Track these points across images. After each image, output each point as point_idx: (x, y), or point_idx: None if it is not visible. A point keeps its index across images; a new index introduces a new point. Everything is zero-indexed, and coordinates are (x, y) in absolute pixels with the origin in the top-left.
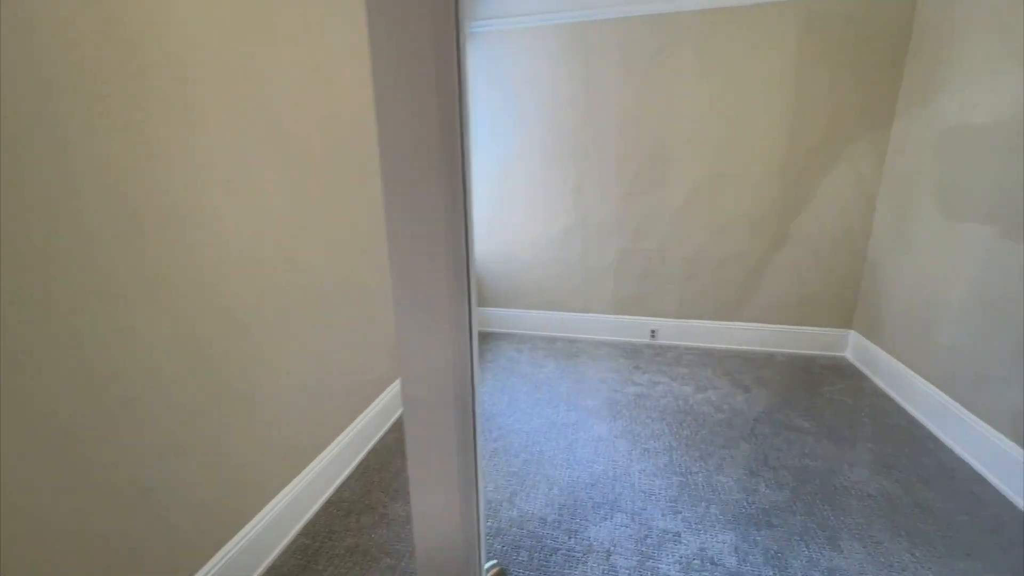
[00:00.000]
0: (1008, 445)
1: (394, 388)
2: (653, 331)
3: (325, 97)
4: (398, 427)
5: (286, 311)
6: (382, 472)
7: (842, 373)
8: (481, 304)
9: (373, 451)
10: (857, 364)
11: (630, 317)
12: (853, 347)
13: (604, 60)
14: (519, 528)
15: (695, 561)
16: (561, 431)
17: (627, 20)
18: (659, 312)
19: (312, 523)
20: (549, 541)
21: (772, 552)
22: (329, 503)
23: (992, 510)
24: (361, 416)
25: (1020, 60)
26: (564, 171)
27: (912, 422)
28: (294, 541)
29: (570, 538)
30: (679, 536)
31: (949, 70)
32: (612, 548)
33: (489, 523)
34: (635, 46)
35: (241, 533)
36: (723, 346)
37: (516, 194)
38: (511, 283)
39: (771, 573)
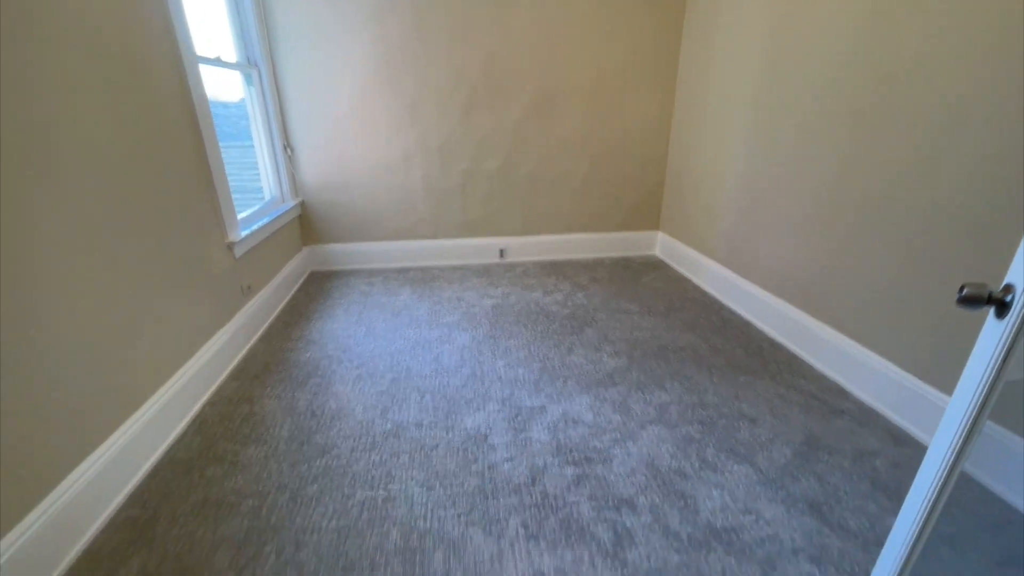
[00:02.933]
0: (765, 295)
1: (226, 334)
2: (502, 250)
3: None
4: (238, 375)
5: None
6: (226, 422)
7: (654, 266)
8: (321, 240)
9: (210, 404)
10: (664, 258)
11: (479, 239)
12: (661, 245)
13: None
14: (395, 437)
15: (559, 423)
16: (426, 347)
17: None
18: (506, 232)
19: (139, 491)
20: (428, 440)
21: (618, 403)
22: (159, 467)
23: (756, 342)
24: (188, 363)
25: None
26: (397, 86)
27: (704, 294)
28: (116, 516)
29: (448, 432)
30: (544, 408)
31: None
32: (488, 431)
33: (364, 438)
34: None
35: (27, 521)
36: (562, 257)
37: (346, 110)
38: (353, 214)
39: (618, 418)
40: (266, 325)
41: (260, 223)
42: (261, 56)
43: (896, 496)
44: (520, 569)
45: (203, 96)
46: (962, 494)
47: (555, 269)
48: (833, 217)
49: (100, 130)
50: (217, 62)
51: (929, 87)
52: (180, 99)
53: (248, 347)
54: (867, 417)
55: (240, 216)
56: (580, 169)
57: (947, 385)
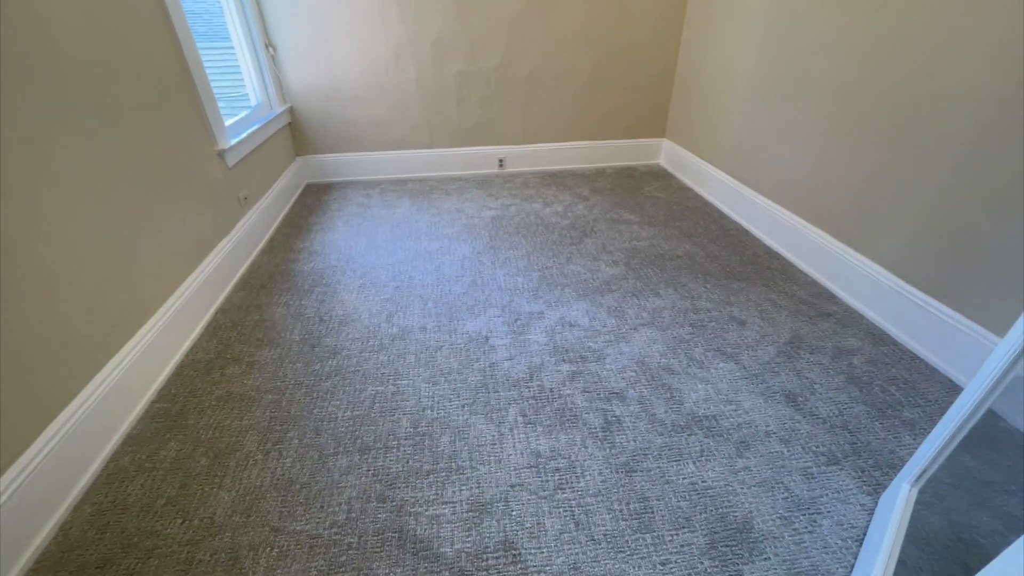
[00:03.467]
0: (766, 202)
1: (228, 244)
2: (501, 160)
3: None
4: (244, 285)
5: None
6: (238, 328)
7: (657, 175)
8: (314, 151)
9: (221, 311)
10: (668, 168)
11: (478, 148)
12: (666, 153)
13: None
14: (401, 340)
15: (557, 327)
16: (427, 258)
17: None
18: (505, 140)
19: (166, 387)
20: (433, 342)
21: (613, 308)
22: (181, 367)
23: (752, 250)
24: (196, 272)
25: None
26: None
27: (706, 204)
28: (148, 409)
29: (451, 335)
30: (543, 314)
31: None
32: (489, 334)
33: (372, 341)
34: None
35: (69, 409)
36: (563, 167)
37: (328, 5)
38: (345, 122)
39: (613, 321)
40: (267, 237)
41: (249, 130)
42: None
43: (867, 389)
44: (519, 449)
45: None
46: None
47: (556, 179)
48: (842, 121)
49: (70, 28)
50: None
51: None
52: None
53: (251, 259)
54: (851, 319)
55: (228, 123)
56: (583, 70)
57: (928, 286)
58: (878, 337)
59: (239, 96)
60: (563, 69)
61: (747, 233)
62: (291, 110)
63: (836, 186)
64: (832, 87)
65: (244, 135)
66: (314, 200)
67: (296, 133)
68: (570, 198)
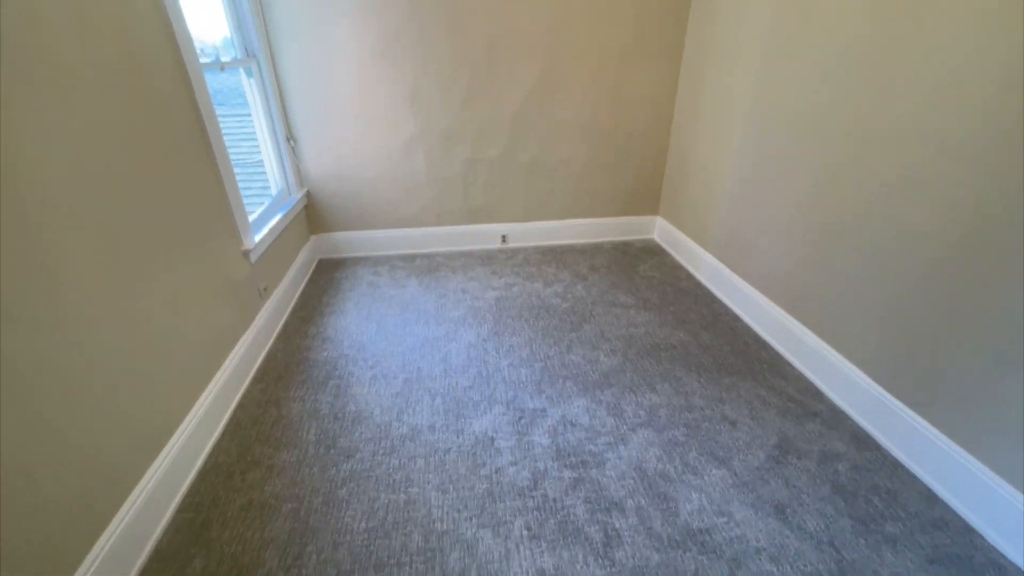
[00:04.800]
0: (754, 292)
1: (248, 337)
2: (503, 236)
3: None
4: (262, 377)
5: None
6: (257, 426)
7: (652, 252)
8: (328, 229)
9: (240, 407)
10: (662, 244)
11: (482, 226)
12: (659, 230)
13: None
14: (411, 441)
15: (559, 427)
16: (434, 345)
17: None
18: (507, 218)
19: (191, 495)
20: (441, 444)
21: (612, 405)
22: (204, 472)
23: (743, 338)
24: (219, 373)
25: None
26: (398, 74)
27: (698, 285)
28: (174, 520)
29: (458, 436)
30: (545, 411)
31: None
32: (495, 434)
33: (383, 442)
34: None
35: (107, 533)
36: (562, 242)
37: (346, 101)
38: (358, 204)
39: (612, 421)
40: (282, 322)
41: (271, 222)
42: (260, 48)
43: (852, 500)
44: (524, 567)
45: (207, 100)
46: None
47: (556, 256)
48: (817, 227)
49: (110, 140)
50: (217, 63)
51: (924, 112)
52: (185, 106)
53: (268, 347)
54: (837, 420)
55: (251, 218)
56: (581, 155)
57: (902, 394)
58: (863, 441)
59: (261, 188)
60: (561, 155)
61: (737, 319)
62: (308, 194)
63: (814, 282)
64: (807, 187)
65: (266, 229)
66: (326, 278)
67: (311, 213)
68: (569, 277)
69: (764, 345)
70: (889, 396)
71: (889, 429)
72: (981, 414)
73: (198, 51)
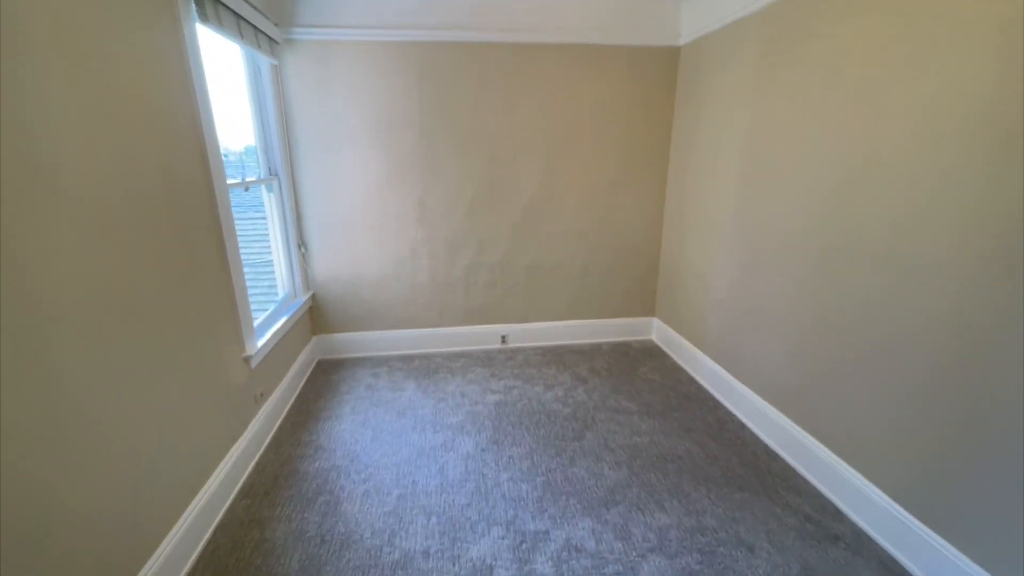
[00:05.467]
0: (757, 399)
1: (239, 448)
2: (503, 337)
3: None
4: (248, 491)
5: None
6: (237, 551)
7: (651, 354)
8: (330, 330)
9: (221, 528)
10: (661, 345)
11: (482, 326)
12: (657, 331)
13: (438, 80)
14: (403, 570)
15: (563, 553)
16: (431, 456)
17: (457, 45)
18: (507, 318)
19: None
20: (436, 574)
21: (619, 527)
22: None
23: (751, 449)
24: (203, 490)
25: (743, 118)
26: (407, 187)
27: (700, 389)
28: None
29: (454, 564)
30: (548, 534)
31: (699, 123)
32: (493, 563)
33: (373, 570)
34: (467, 69)
35: None
36: (562, 342)
37: (358, 211)
38: (360, 305)
39: (620, 545)
40: (275, 428)
41: (275, 326)
42: (282, 166)
43: None
44: None
45: (229, 216)
46: None
47: (556, 357)
48: (815, 337)
49: (135, 258)
50: (242, 183)
51: (895, 235)
52: (209, 222)
53: (258, 456)
54: (861, 544)
55: (256, 322)
56: (577, 259)
57: (925, 516)
58: (891, 569)
59: (268, 286)
60: (559, 259)
61: (743, 427)
62: (313, 296)
63: (818, 392)
64: (797, 295)
65: (269, 333)
66: (324, 380)
67: (315, 315)
68: (570, 380)
69: (774, 457)
70: (912, 519)
71: (917, 556)
72: (1013, 542)
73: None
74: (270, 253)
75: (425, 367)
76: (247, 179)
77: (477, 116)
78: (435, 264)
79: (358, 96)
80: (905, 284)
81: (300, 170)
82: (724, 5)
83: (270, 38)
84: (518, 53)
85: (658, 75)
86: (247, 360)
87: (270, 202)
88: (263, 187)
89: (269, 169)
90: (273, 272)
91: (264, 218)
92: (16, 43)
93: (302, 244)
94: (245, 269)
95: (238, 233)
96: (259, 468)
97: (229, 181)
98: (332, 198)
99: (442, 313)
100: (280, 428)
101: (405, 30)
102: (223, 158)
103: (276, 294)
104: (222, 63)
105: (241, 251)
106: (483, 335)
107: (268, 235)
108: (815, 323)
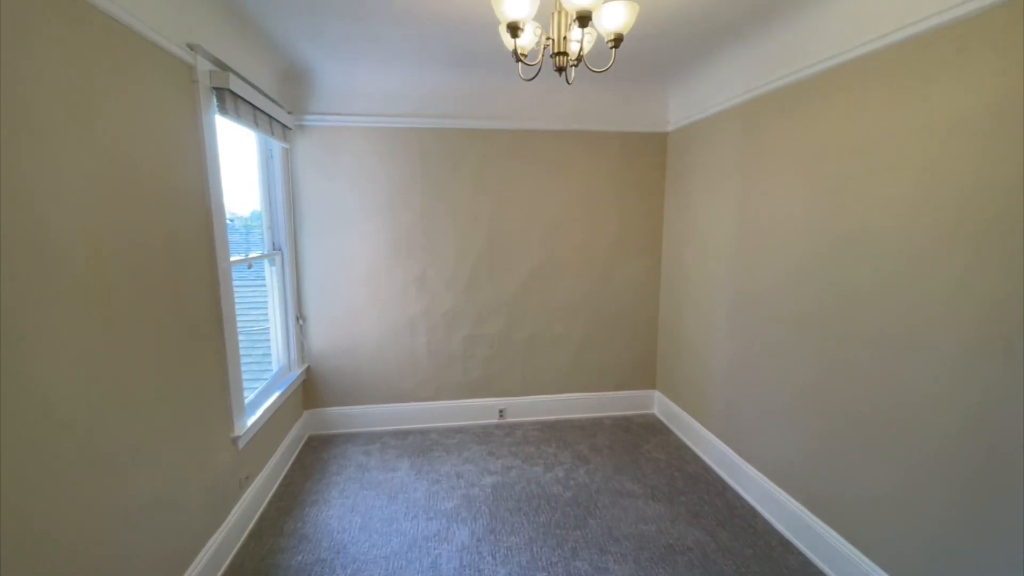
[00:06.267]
0: (766, 482)
1: (217, 539)
2: (501, 411)
3: None
4: None
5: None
6: None
7: (654, 429)
8: (322, 404)
9: None
10: (663, 419)
11: (480, 400)
12: (658, 404)
13: (439, 163)
14: None
15: None
16: (423, 548)
17: (459, 131)
18: (505, 392)
19: None
20: None
21: None
22: None
23: (765, 539)
24: None
25: (729, 185)
26: (407, 263)
27: (707, 469)
28: None
29: None
30: None
31: (689, 201)
32: None
33: None
34: (468, 153)
35: None
36: (562, 416)
37: (357, 286)
38: (356, 378)
39: None
40: (258, 514)
41: (267, 403)
42: (286, 241)
43: None
44: None
45: (230, 292)
46: None
47: (555, 433)
48: (820, 417)
49: (133, 339)
50: (246, 259)
51: (889, 307)
52: (209, 298)
53: (237, 548)
54: None
55: (248, 399)
56: (576, 332)
57: None
58: None
59: (262, 355)
60: (558, 333)
61: (755, 514)
62: (308, 368)
63: (832, 478)
64: (805, 375)
65: (260, 410)
66: (314, 459)
67: (308, 388)
68: (571, 459)
69: (789, 547)
70: None
71: None
72: None
73: (229, 255)
74: (267, 321)
75: (420, 444)
76: (251, 255)
77: (477, 196)
78: (433, 337)
79: (363, 178)
80: (895, 361)
81: (303, 245)
82: (706, 98)
83: (283, 125)
84: (516, 138)
85: (649, 157)
86: (235, 441)
87: (272, 276)
88: (265, 261)
89: (273, 244)
90: (269, 341)
91: (264, 285)
92: (32, 124)
93: (300, 317)
94: (241, 338)
95: (237, 300)
96: (234, 567)
97: (233, 258)
98: (333, 273)
99: (439, 387)
100: (263, 515)
101: (409, 118)
102: (227, 222)
103: (270, 365)
104: (235, 141)
105: (238, 319)
106: (481, 409)
107: (267, 304)
108: (815, 398)
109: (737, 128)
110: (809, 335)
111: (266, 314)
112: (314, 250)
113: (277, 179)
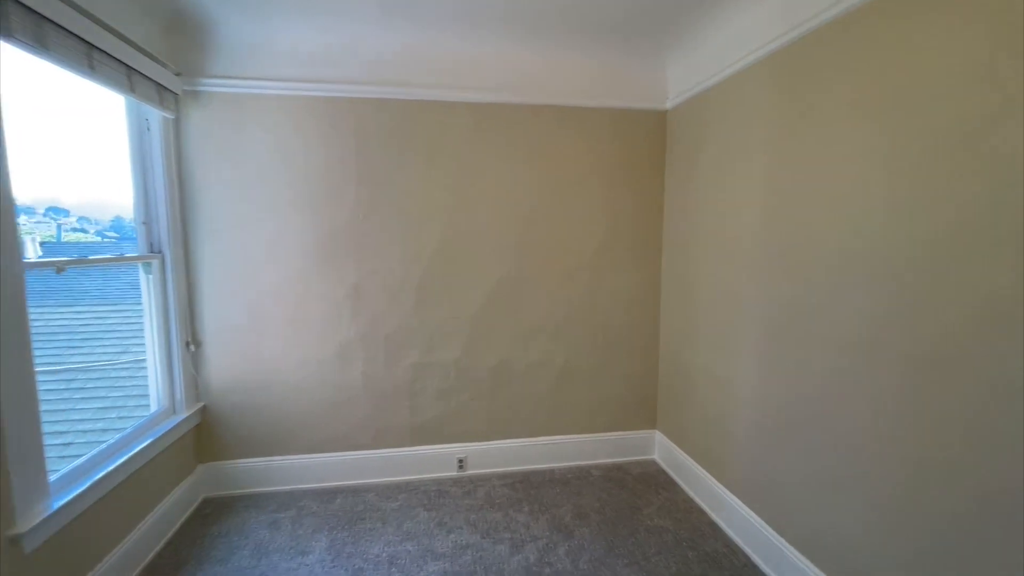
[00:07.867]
0: (814, 570)
1: None
2: (460, 461)
3: None
4: None
5: None
6: None
7: (656, 484)
8: (223, 456)
9: None
10: (666, 468)
11: (432, 447)
12: (660, 449)
13: (377, 144)
14: None
15: None
16: None
17: (406, 103)
18: (466, 436)
19: None
20: None
21: None
22: None
23: None
24: None
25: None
26: (338, 271)
27: (731, 547)
28: None
29: None
30: None
31: (697, 185)
32: None
33: None
34: (415, 130)
35: None
36: (539, 467)
37: (272, 300)
38: (269, 421)
39: None
40: None
41: (115, 463)
42: (169, 241)
43: None
44: None
45: (21, 308)
46: None
47: (529, 490)
48: (910, 484)
49: None
50: (52, 264)
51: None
52: None
53: None
54: None
55: (76, 462)
56: (557, 358)
57: None
58: None
59: (125, 396)
60: (533, 360)
61: None
62: (204, 409)
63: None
64: (873, 406)
65: (99, 475)
66: (198, 536)
67: (203, 435)
68: (548, 531)
69: None
70: None
71: None
72: None
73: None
74: (142, 347)
75: (349, 509)
76: (108, 256)
77: (429, 187)
78: (372, 367)
79: (278, 160)
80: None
81: (198, 248)
82: (718, 59)
83: (162, 87)
84: (481, 114)
85: (644, 140)
86: (17, 541)
87: (148, 287)
88: (140, 267)
89: (151, 245)
90: (145, 377)
91: (137, 300)
92: None
93: (192, 342)
94: (81, 376)
95: (84, 323)
96: None
97: (32, 259)
98: (239, 283)
99: (379, 431)
100: None
101: (342, 84)
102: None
103: (146, 406)
104: (74, 98)
105: (78, 350)
106: (434, 459)
107: (143, 325)
108: (907, 462)
109: (764, 88)
110: (890, 362)
111: (140, 339)
112: (212, 254)
113: (156, 159)
